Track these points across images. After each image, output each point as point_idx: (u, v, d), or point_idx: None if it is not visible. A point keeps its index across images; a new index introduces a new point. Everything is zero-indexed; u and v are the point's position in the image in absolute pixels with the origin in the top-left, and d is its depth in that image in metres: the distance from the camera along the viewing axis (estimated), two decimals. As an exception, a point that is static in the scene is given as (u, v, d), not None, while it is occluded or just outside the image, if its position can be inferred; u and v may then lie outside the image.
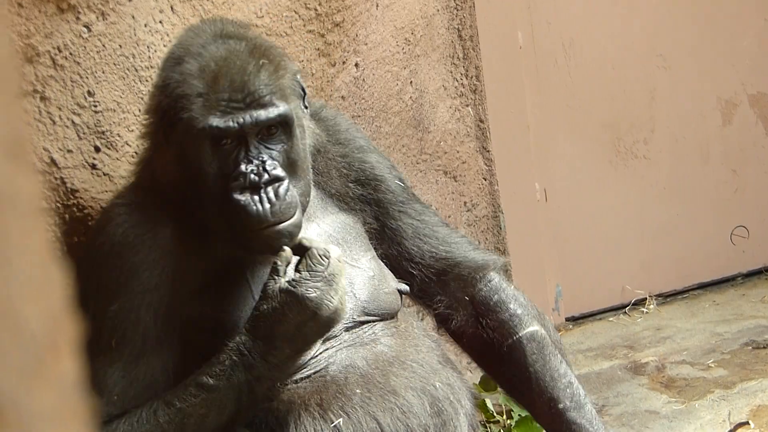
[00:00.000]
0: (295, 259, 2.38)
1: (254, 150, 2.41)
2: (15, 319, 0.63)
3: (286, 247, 2.37)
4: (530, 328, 2.83)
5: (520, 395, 2.94)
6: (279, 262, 2.37)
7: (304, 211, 2.51)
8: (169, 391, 2.43)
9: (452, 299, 2.83)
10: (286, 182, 2.40)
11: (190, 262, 2.53)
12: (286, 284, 2.34)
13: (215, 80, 2.41)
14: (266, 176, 2.38)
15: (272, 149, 2.43)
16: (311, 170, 2.62)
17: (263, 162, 2.39)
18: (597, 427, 2.83)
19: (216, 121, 2.39)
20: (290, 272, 2.37)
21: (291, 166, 2.45)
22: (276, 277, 2.36)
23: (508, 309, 2.83)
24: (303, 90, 2.59)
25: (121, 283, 2.46)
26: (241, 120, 2.39)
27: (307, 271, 2.34)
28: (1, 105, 0.64)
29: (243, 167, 2.39)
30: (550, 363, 2.82)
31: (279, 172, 2.40)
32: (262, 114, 2.40)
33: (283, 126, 2.44)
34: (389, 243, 2.81)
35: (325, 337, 2.53)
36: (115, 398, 2.40)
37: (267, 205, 2.36)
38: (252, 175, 2.37)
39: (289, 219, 2.39)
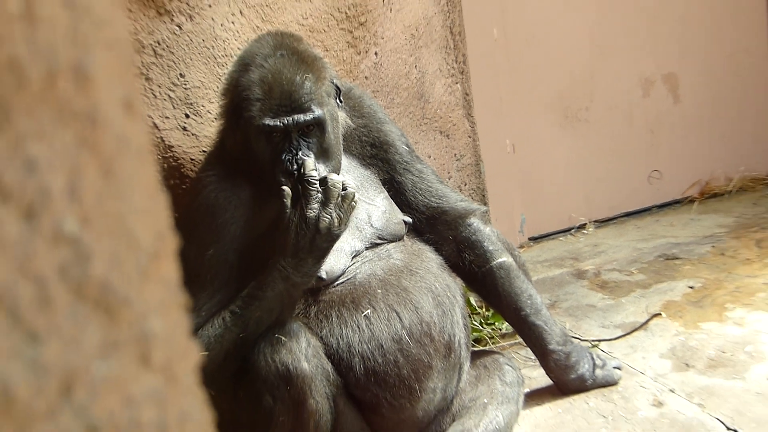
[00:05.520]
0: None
1: (295, 142, 2.41)
2: (128, 235, 0.61)
3: (285, 187, 2.37)
4: (500, 259, 2.80)
5: (495, 307, 2.92)
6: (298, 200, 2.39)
7: None
8: (232, 302, 2.44)
9: (439, 237, 2.79)
10: None
11: (261, 214, 2.51)
12: (297, 212, 2.36)
13: (270, 89, 2.41)
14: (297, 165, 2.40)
15: (309, 141, 2.43)
16: (342, 147, 2.61)
17: (299, 153, 2.40)
18: (550, 325, 2.85)
19: (268, 121, 2.40)
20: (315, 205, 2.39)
21: (324, 152, 2.46)
22: (290, 209, 2.37)
23: (482, 246, 2.79)
24: (338, 88, 2.58)
25: (214, 235, 2.46)
26: (286, 121, 2.40)
27: (326, 198, 2.35)
28: (120, 72, 0.62)
29: (284, 156, 2.41)
30: (515, 283, 2.81)
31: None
32: (301, 117, 2.40)
33: (318, 125, 2.43)
34: (395, 193, 2.78)
35: (353, 255, 2.53)
36: (203, 313, 2.40)
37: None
38: (288, 163, 2.39)
39: None
